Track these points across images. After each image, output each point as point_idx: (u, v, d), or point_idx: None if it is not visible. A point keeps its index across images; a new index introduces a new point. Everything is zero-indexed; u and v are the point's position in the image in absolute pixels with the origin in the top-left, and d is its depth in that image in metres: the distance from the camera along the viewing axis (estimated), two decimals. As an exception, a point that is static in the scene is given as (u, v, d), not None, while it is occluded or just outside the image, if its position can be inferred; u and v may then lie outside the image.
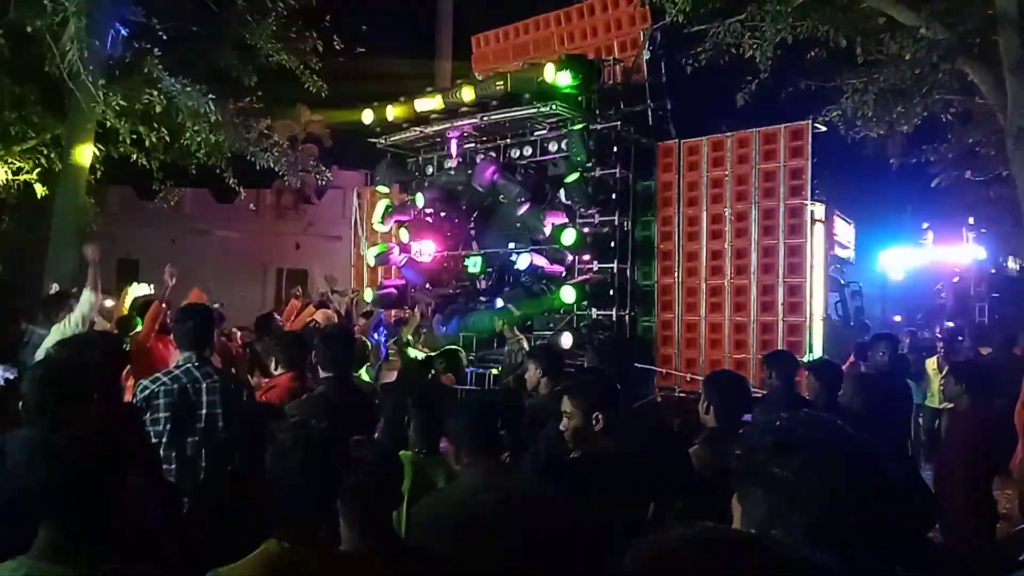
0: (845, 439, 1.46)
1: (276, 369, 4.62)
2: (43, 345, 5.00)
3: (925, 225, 19.60)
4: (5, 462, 3.19)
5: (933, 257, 19.50)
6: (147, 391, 3.80)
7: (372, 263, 11.21)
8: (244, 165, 12.60)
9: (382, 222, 10.95)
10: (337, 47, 12.46)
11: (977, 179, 11.56)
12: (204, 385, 3.87)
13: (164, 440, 3.73)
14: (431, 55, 17.67)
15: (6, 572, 1.97)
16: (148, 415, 3.70)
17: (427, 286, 10.42)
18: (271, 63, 12.14)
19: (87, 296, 5.39)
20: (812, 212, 8.40)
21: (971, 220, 16.87)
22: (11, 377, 3.46)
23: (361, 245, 12.23)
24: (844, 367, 7.94)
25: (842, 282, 13.01)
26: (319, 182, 13.40)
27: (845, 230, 12.86)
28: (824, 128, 9.49)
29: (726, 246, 8.81)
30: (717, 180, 8.90)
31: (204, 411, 3.82)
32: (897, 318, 19.12)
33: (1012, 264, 16.68)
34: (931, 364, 10.02)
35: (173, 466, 3.75)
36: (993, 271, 17.72)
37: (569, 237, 8.67)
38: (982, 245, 17.26)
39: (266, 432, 3.23)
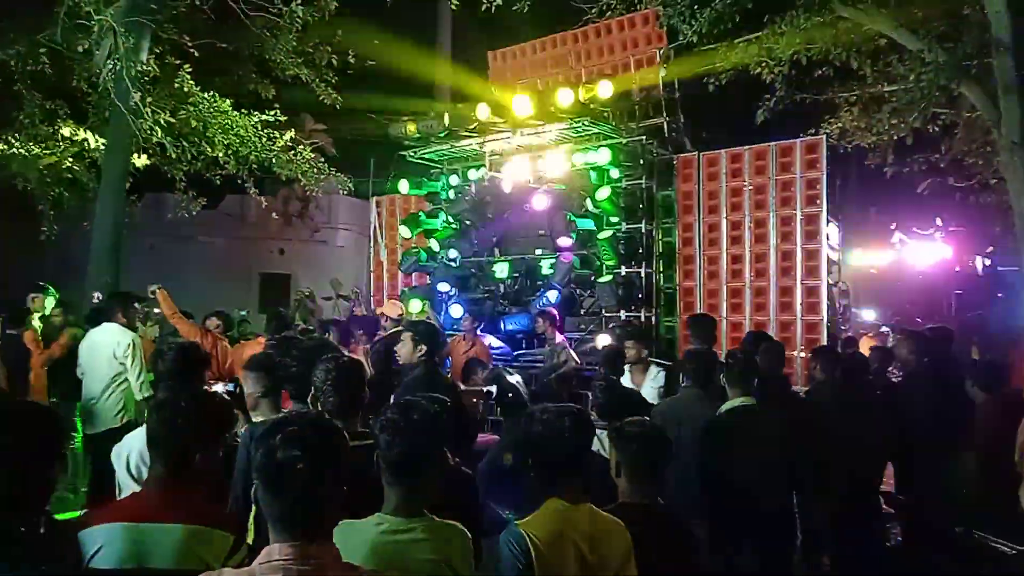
0: None
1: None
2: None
3: (893, 226, 20.65)
4: (249, 453, 3.66)
5: (902, 256, 20.57)
6: None
7: (403, 270, 11.58)
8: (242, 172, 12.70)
9: (412, 234, 11.37)
10: (351, 60, 12.80)
11: (959, 185, 12.46)
12: None
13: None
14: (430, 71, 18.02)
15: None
16: None
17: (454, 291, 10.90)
18: (284, 75, 12.42)
19: None
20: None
21: (939, 221, 17.92)
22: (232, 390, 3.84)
23: (380, 252, 12.64)
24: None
25: (830, 283, 13.84)
26: (341, 191, 13.74)
27: (833, 233, 13.70)
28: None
29: (746, 251, 9.48)
30: (736, 190, 9.59)
31: None
32: (870, 316, 20.11)
33: (979, 264, 17.78)
34: None
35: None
36: (958, 269, 18.83)
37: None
38: (950, 245, 18.36)
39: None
